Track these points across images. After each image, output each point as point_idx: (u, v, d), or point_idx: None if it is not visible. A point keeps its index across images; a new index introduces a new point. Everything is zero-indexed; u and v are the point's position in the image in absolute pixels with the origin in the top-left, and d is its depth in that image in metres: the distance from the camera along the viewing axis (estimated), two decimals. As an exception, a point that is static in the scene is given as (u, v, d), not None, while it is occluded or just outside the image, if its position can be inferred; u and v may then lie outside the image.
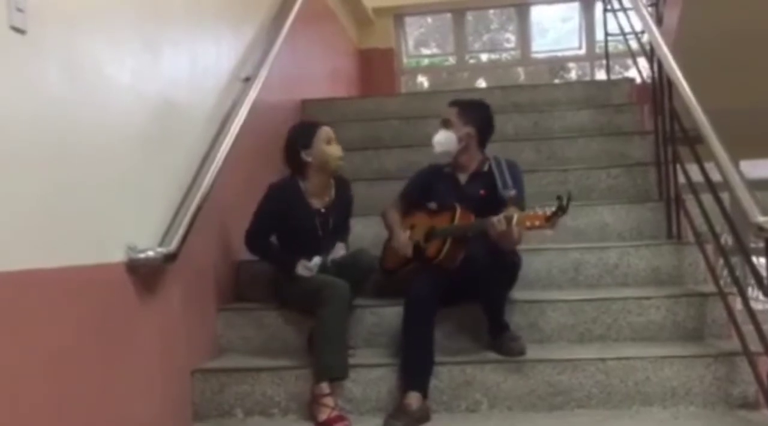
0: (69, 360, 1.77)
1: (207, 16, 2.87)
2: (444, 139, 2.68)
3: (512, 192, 2.52)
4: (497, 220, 2.31)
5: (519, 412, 2.35)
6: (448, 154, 2.71)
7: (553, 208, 2.20)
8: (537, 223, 2.23)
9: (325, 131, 2.70)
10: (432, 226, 2.64)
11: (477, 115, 2.71)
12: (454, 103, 2.75)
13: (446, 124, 2.70)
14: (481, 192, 2.64)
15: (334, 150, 2.70)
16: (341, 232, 2.81)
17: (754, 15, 3.94)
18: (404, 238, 2.70)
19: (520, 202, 2.53)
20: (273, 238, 2.74)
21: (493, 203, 2.51)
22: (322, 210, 2.71)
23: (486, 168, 2.69)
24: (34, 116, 1.69)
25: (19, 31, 1.64)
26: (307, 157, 2.67)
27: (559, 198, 2.21)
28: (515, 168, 2.68)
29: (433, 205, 2.71)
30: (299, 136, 2.71)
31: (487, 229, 2.35)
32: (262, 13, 3.53)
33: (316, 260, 2.63)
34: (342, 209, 2.79)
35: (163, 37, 2.41)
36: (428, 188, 2.77)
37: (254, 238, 2.70)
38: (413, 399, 2.29)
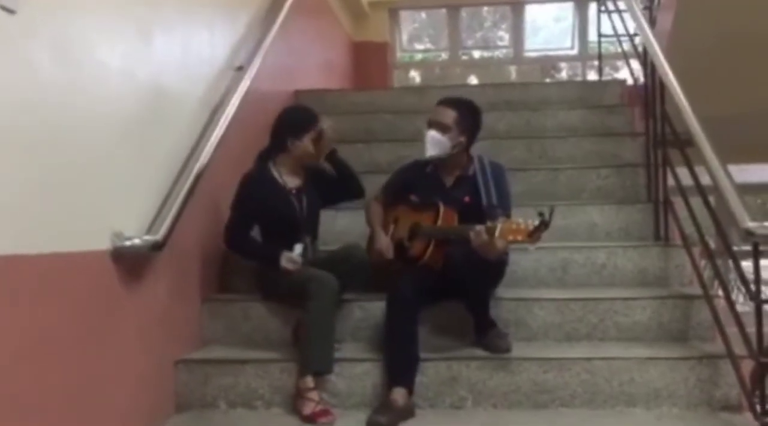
0: (51, 348, 1.75)
1: (201, 3, 2.84)
2: (439, 146, 2.57)
3: (497, 211, 2.45)
4: (479, 231, 2.27)
5: (503, 409, 2.35)
6: (438, 158, 2.63)
7: (536, 223, 2.17)
8: (519, 237, 2.20)
9: (317, 131, 2.69)
10: (416, 222, 2.62)
11: (473, 122, 2.63)
12: (452, 105, 2.62)
13: (442, 128, 2.58)
14: (466, 198, 2.60)
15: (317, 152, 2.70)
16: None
17: (747, 20, 3.95)
18: (386, 242, 2.66)
19: (505, 211, 2.49)
20: (255, 233, 2.71)
21: (478, 210, 2.48)
22: (295, 190, 2.70)
23: (471, 172, 2.64)
24: (21, 98, 1.66)
25: (9, 11, 1.61)
26: (291, 145, 2.67)
27: (541, 214, 2.16)
28: (499, 171, 2.64)
29: (416, 199, 2.69)
30: (294, 123, 2.71)
31: (470, 237, 2.30)
32: (257, 3, 3.49)
33: (298, 249, 2.61)
34: (315, 194, 2.76)
35: (156, 22, 2.38)
36: (410, 185, 2.74)
37: (235, 231, 2.65)
38: (399, 395, 2.28)
